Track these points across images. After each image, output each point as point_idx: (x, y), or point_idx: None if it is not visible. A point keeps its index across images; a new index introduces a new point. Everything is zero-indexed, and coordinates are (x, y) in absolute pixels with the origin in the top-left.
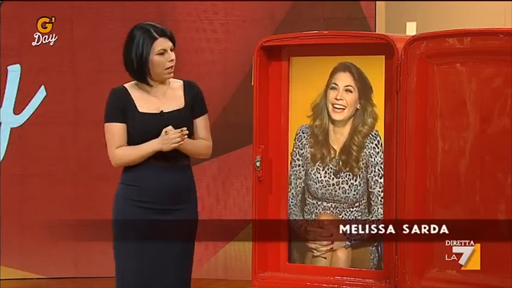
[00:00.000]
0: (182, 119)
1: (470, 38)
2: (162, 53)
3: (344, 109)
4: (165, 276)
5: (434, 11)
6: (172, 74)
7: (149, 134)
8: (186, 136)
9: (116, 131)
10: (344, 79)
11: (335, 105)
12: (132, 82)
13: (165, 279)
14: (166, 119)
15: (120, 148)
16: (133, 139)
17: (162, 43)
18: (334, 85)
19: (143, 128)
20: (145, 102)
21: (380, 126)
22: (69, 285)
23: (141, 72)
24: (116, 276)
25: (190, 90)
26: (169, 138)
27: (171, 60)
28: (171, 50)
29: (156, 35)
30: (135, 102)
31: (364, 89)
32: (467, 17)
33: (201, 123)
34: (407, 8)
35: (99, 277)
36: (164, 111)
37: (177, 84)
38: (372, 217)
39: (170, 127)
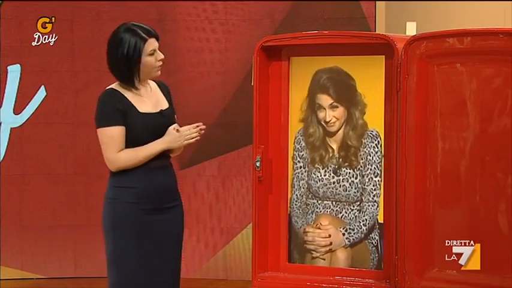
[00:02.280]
0: (173, 117)
1: (470, 38)
2: (153, 53)
3: (336, 122)
4: (165, 275)
5: (434, 11)
6: (160, 72)
7: (152, 133)
8: (203, 131)
9: (116, 133)
10: (325, 99)
11: (327, 123)
12: (117, 83)
13: (166, 278)
14: (165, 118)
15: (122, 151)
16: (138, 140)
17: (152, 43)
18: (318, 105)
19: (147, 128)
20: (141, 102)
21: (369, 111)
22: (69, 285)
23: (130, 73)
24: (112, 281)
25: (166, 90)
26: (183, 135)
27: (160, 60)
28: (158, 49)
29: (146, 37)
30: (133, 103)
31: (346, 94)
32: (467, 17)
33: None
34: (407, 8)
35: (99, 277)
36: (162, 110)
37: (153, 85)
38: (364, 215)
39: (176, 125)
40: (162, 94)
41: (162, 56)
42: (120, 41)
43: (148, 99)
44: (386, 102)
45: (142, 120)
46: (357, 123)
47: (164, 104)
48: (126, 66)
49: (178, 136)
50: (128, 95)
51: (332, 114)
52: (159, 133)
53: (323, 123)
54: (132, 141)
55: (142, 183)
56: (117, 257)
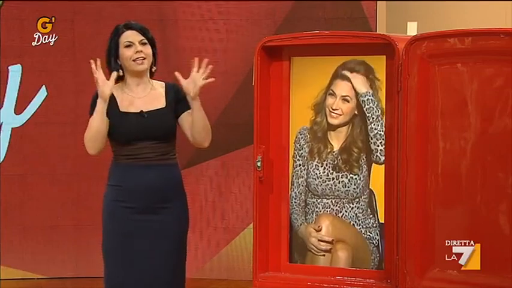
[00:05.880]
0: (162, 118)
1: (471, 38)
2: (129, 45)
3: (340, 115)
4: (153, 276)
5: (435, 11)
6: (144, 66)
7: (130, 133)
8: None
9: None
10: (342, 88)
11: (331, 112)
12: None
13: (154, 280)
14: (147, 118)
15: None
16: (116, 138)
17: (128, 36)
18: (332, 92)
19: (123, 127)
20: (128, 102)
21: None
22: (69, 285)
23: (112, 67)
24: (104, 278)
25: (171, 89)
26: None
27: (138, 52)
28: (142, 43)
29: (123, 29)
30: (118, 102)
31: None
32: (468, 17)
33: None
34: (408, 8)
35: (99, 277)
36: (144, 110)
37: (159, 86)
38: (375, 157)
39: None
40: (163, 95)
41: (140, 49)
42: (109, 37)
43: (141, 100)
44: (387, 103)
45: (119, 119)
46: (366, 132)
47: (155, 105)
48: (109, 62)
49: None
50: (119, 94)
51: (340, 105)
52: (137, 133)
53: (327, 112)
54: (112, 138)
55: (128, 182)
56: (105, 253)
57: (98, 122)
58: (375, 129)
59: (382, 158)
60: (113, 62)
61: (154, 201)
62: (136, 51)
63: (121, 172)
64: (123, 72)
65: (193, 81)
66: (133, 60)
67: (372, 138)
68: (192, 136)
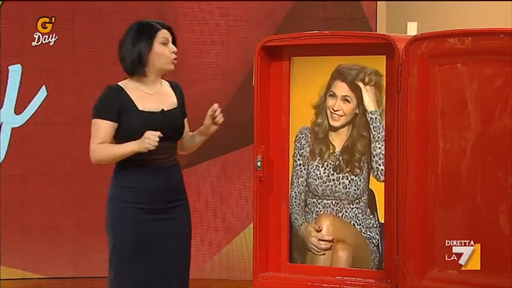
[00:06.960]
0: (178, 117)
1: (471, 38)
2: (166, 42)
3: (342, 116)
4: (168, 276)
5: (435, 11)
6: (173, 66)
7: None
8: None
9: (103, 127)
10: (342, 88)
11: (333, 113)
12: (126, 80)
13: (168, 280)
14: (167, 118)
15: (101, 144)
16: (134, 137)
17: (165, 33)
18: (332, 93)
19: (144, 126)
20: (144, 100)
21: None
22: (69, 285)
23: (140, 63)
24: (111, 279)
25: (178, 91)
26: (145, 138)
27: (173, 52)
28: (174, 45)
29: (158, 26)
30: (134, 100)
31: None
32: (468, 17)
33: (187, 123)
34: (408, 8)
35: (99, 277)
36: (165, 109)
37: (166, 84)
38: (375, 175)
39: (149, 131)
40: (174, 94)
41: (175, 49)
42: (132, 32)
43: (155, 97)
44: (387, 102)
45: (140, 118)
46: (368, 132)
47: (171, 104)
48: (137, 55)
49: (142, 139)
50: (133, 92)
51: (341, 105)
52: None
53: (328, 114)
54: (129, 138)
55: (140, 183)
56: (115, 255)
57: (121, 157)
58: (379, 148)
59: (382, 178)
60: (143, 55)
61: (167, 202)
62: (172, 51)
63: (129, 173)
64: (141, 67)
65: (212, 121)
66: (170, 59)
67: (374, 157)
68: (182, 143)
